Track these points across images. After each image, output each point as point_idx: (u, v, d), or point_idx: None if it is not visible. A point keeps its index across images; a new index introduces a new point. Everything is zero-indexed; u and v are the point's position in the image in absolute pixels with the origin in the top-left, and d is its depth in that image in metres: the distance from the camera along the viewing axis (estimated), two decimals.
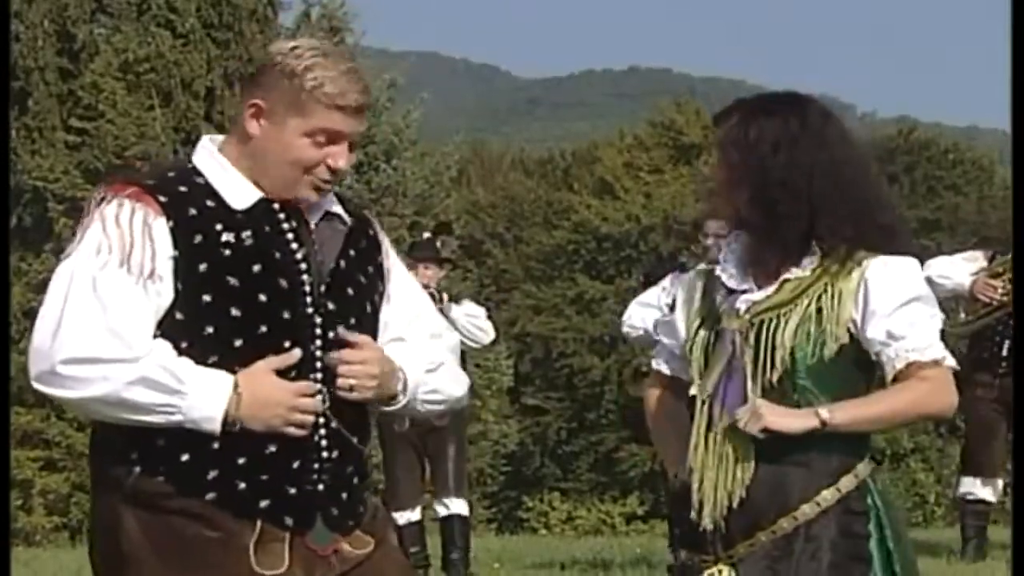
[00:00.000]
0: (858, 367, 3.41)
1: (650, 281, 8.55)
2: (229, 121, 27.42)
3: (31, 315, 25.86)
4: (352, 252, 3.27)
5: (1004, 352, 8.60)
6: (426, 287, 8.63)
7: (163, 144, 26.24)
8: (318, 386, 3.13)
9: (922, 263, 3.57)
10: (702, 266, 3.64)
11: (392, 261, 3.38)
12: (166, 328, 3.07)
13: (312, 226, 3.22)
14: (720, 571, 3.41)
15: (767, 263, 3.45)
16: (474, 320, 8.89)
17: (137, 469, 3.09)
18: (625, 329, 8.47)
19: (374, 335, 3.26)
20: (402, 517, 8.67)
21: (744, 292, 3.46)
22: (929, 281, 9.39)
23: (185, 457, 3.07)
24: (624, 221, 39.47)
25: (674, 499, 3.65)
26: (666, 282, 8.54)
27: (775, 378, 3.36)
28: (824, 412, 3.31)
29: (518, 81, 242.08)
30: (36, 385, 3.08)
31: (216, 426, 3.02)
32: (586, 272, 39.93)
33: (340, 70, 3.15)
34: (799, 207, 3.40)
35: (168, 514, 3.08)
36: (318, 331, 3.16)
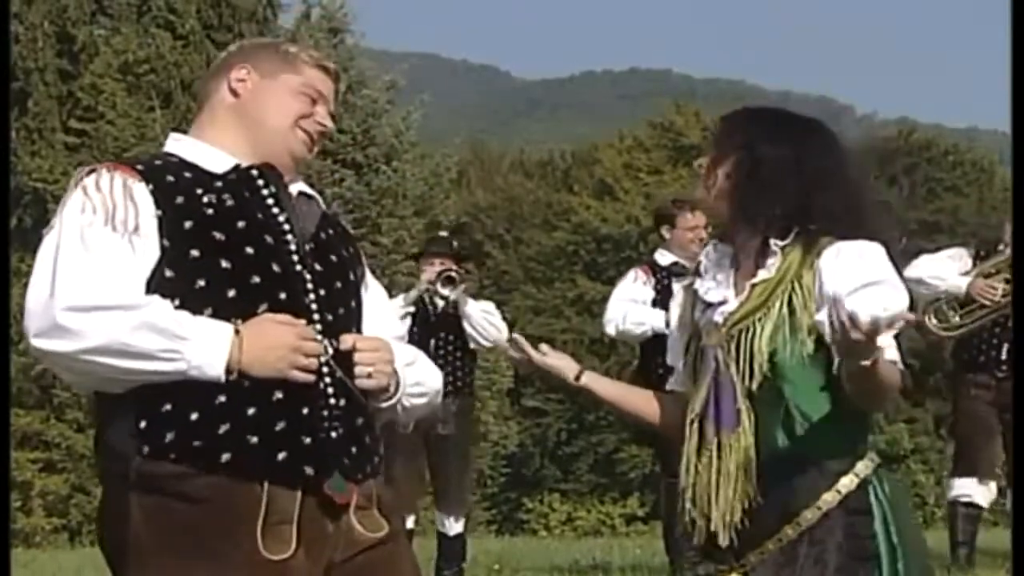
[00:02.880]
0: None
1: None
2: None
3: None
4: (331, 230, 3.33)
5: (1003, 355, 8.49)
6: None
7: (162, 145, 26.24)
8: (319, 331, 3.13)
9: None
10: (686, 282, 3.62)
11: (360, 256, 3.43)
12: (156, 286, 3.06)
13: (294, 195, 3.29)
14: None
15: (744, 269, 3.45)
16: (489, 316, 8.79)
17: (146, 449, 3.03)
18: (619, 330, 8.39)
19: (358, 306, 3.30)
20: None
21: (721, 304, 3.45)
22: (921, 282, 9.30)
23: (195, 416, 3.02)
24: (624, 222, 39.48)
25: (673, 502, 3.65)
26: (639, 273, 8.53)
27: (755, 386, 3.34)
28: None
29: (518, 82, 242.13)
30: (36, 343, 3.02)
31: (219, 371, 3.00)
32: (586, 273, 39.93)
33: (306, 45, 3.48)
34: (767, 206, 3.39)
35: (173, 500, 3.02)
36: (309, 285, 3.18)
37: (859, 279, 3.27)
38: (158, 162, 3.23)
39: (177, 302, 3.04)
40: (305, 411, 3.09)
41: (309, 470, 3.07)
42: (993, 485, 8.74)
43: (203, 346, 2.99)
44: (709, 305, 3.46)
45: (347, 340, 3.16)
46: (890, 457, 31.97)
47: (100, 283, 3.00)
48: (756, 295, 3.38)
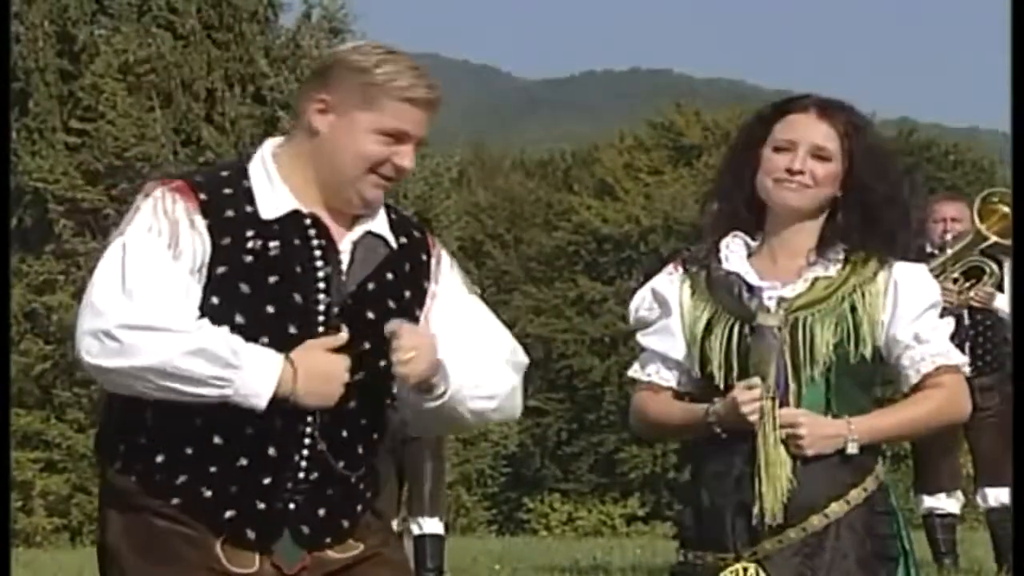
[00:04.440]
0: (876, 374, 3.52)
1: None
2: (229, 123, 27.50)
3: (31, 316, 25.93)
4: (389, 275, 3.21)
5: (965, 354, 8.45)
6: None
7: (163, 146, 26.23)
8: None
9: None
10: (688, 270, 3.63)
11: (441, 286, 3.29)
12: None
13: (350, 244, 3.18)
14: (745, 569, 3.41)
15: (785, 260, 3.50)
16: None
17: (118, 464, 3.12)
18: (635, 318, 8.40)
19: (390, 362, 3.16)
20: None
21: (767, 288, 3.48)
22: None
23: (160, 459, 3.08)
24: (624, 222, 39.47)
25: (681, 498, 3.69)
26: (670, 267, 8.53)
27: (816, 374, 3.40)
28: (852, 447, 3.40)
29: (518, 82, 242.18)
30: (86, 341, 3.01)
31: (263, 402, 2.99)
32: (586, 273, 39.92)
33: (407, 65, 3.13)
34: (850, 213, 3.49)
35: (140, 511, 3.10)
36: None
37: (928, 299, 3.51)
38: (227, 191, 3.13)
39: None
40: (266, 481, 3.08)
41: (251, 534, 3.09)
42: (959, 493, 8.77)
43: (253, 376, 2.99)
44: (751, 288, 3.49)
45: (391, 325, 3.08)
46: (890, 457, 31.99)
47: (159, 304, 3.00)
48: (820, 287, 3.46)
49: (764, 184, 3.48)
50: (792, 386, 3.41)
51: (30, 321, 25.83)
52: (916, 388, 3.48)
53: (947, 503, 8.65)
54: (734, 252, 3.54)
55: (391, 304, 3.19)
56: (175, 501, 3.08)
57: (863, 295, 3.45)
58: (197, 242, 3.06)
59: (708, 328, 3.51)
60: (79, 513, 25.21)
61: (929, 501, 8.67)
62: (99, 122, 26.46)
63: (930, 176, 42.46)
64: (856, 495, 3.41)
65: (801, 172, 3.44)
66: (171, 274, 3.04)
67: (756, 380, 3.39)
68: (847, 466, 3.42)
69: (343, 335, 3.08)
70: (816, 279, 3.47)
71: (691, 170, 39.33)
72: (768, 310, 3.45)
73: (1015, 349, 8.02)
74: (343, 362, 3.07)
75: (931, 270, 8.20)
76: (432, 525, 8.71)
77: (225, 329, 3.01)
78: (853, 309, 3.43)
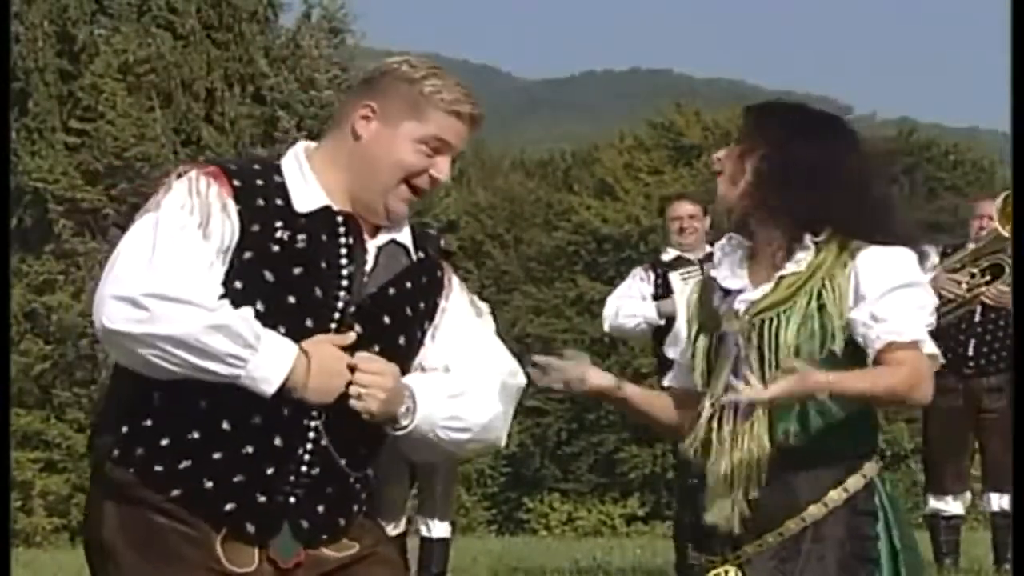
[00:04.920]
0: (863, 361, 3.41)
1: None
2: (228, 122, 27.50)
3: (31, 316, 25.94)
4: (408, 284, 3.25)
5: (971, 352, 8.33)
6: None
7: (163, 145, 26.24)
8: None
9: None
10: (684, 272, 3.68)
11: (452, 303, 3.32)
12: None
13: (375, 248, 3.20)
14: (727, 572, 3.41)
15: (764, 260, 3.47)
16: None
17: (116, 453, 3.10)
18: (619, 321, 8.46)
19: (401, 364, 3.20)
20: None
21: (740, 292, 3.47)
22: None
23: (164, 442, 3.07)
24: (624, 222, 39.46)
25: (681, 499, 3.69)
26: (639, 271, 8.59)
27: (781, 375, 3.33)
28: (821, 395, 3.27)
29: (518, 82, 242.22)
30: (108, 306, 2.99)
31: (272, 388, 3.00)
32: (586, 273, 39.90)
33: (454, 81, 3.20)
34: (800, 203, 3.42)
35: (137, 506, 3.09)
36: None
37: (894, 280, 3.37)
38: (259, 182, 3.16)
39: None
40: (270, 471, 3.09)
41: (250, 527, 3.09)
42: (967, 494, 8.70)
43: (269, 360, 3.00)
44: (727, 293, 3.49)
45: (355, 360, 3.11)
46: (890, 457, 31.99)
47: (187, 278, 3.00)
48: (784, 287, 3.42)
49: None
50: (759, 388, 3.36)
51: (30, 321, 25.84)
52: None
53: (953, 506, 8.57)
54: (726, 255, 3.54)
55: (407, 312, 3.22)
56: (174, 492, 3.07)
57: (831, 290, 3.39)
58: (227, 225, 3.08)
59: (697, 334, 3.54)
60: (79, 513, 25.17)
61: (935, 503, 8.61)
62: (99, 122, 26.49)
63: (930, 176, 42.48)
64: (835, 496, 3.38)
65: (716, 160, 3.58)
66: (200, 251, 3.05)
67: None
68: (830, 466, 3.40)
69: (352, 335, 3.10)
70: (782, 277, 3.43)
71: (691, 170, 39.31)
72: (736, 314, 3.44)
73: (1015, 349, 7.98)
74: (346, 360, 3.08)
75: (948, 265, 8.20)
76: (441, 528, 8.72)
77: (248, 311, 3.02)
78: (821, 306, 3.38)
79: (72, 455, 25.68)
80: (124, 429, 3.11)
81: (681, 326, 3.62)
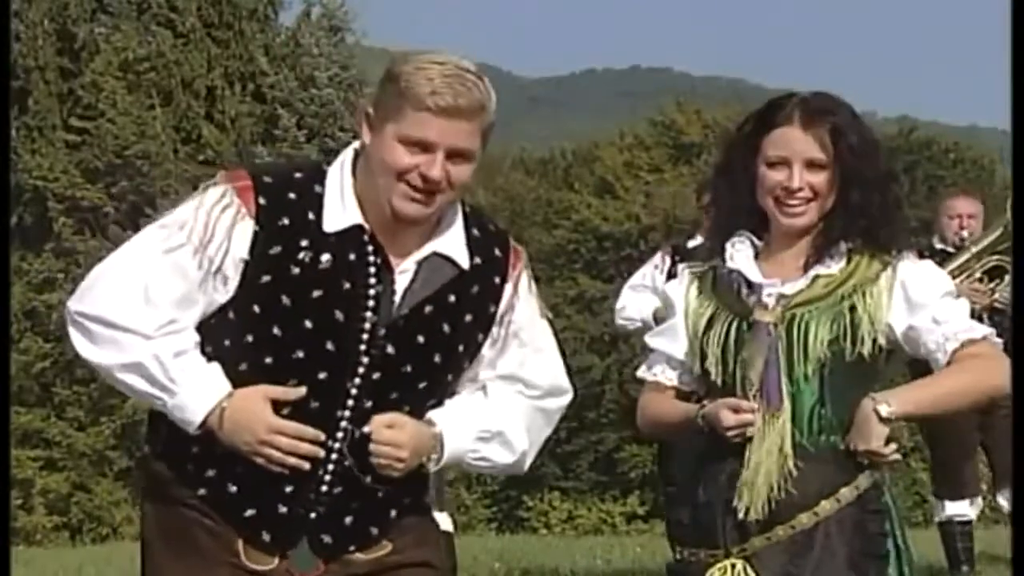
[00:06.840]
0: (879, 376, 3.49)
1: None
2: (229, 120, 27.50)
3: (31, 314, 25.93)
4: (451, 297, 3.15)
5: None
6: None
7: (163, 143, 26.24)
8: (313, 432, 3.05)
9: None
10: (693, 269, 3.66)
11: (517, 313, 3.26)
12: (218, 320, 3.07)
13: (413, 263, 3.12)
14: (733, 565, 3.41)
15: (782, 259, 3.51)
16: None
17: (159, 447, 3.16)
18: (620, 321, 8.37)
19: (433, 385, 3.16)
20: None
21: (766, 286, 3.49)
22: None
23: (195, 449, 3.09)
24: (624, 220, 39.45)
25: (670, 498, 3.69)
26: (656, 259, 8.43)
27: (810, 371, 3.40)
28: (884, 408, 3.37)
29: (519, 80, 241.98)
30: (67, 315, 3.08)
31: (193, 429, 3.04)
32: (586, 271, 39.90)
33: (437, 72, 3.04)
34: (846, 211, 3.48)
35: (172, 503, 3.13)
36: (362, 369, 3.08)
37: (943, 288, 3.50)
38: (292, 195, 3.09)
39: (228, 342, 3.06)
40: (289, 489, 3.08)
41: (267, 536, 3.10)
42: (979, 498, 8.64)
43: (185, 402, 3.02)
44: (752, 285, 3.50)
45: (372, 424, 3.08)
46: None
47: (133, 306, 3.01)
48: (820, 285, 3.46)
49: (766, 202, 3.50)
50: (785, 382, 3.40)
51: (30, 319, 25.83)
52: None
53: (967, 510, 8.48)
54: (740, 251, 3.55)
55: (445, 328, 3.13)
56: (201, 492, 3.10)
57: (864, 295, 3.44)
58: (234, 248, 3.04)
59: (709, 325, 3.53)
60: (79, 511, 25.23)
61: (951, 508, 8.47)
62: (99, 120, 26.48)
63: (930, 174, 42.47)
64: (847, 493, 3.41)
65: (800, 188, 3.46)
66: (174, 277, 3.03)
67: (744, 403, 3.40)
68: (841, 464, 3.42)
69: (300, 390, 3.04)
70: (817, 276, 3.48)
71: (691, 168, 39.29)
72: (766, 307, 3.46)
73: (1015, 349, 7.96)
74: (263, 422, 3.02)
75: (952, 269, 8.10)
76: (442, 521, 8.73)
77: (182, 344, 3.02)
78: (853, 308, 3.43)
79: (72, 453, 25.68)
80: (163, 429, 3.13)
81: (679, 321, 3.61)
